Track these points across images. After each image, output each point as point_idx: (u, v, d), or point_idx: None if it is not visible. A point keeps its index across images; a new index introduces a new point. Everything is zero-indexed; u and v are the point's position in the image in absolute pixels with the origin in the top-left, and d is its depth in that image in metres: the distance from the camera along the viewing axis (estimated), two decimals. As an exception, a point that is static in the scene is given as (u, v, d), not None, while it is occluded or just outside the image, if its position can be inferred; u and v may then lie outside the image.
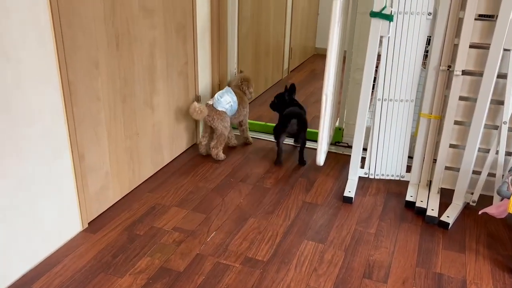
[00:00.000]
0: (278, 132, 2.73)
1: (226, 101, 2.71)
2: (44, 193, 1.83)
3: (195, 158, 2.79)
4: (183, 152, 2.85)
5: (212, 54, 2.96)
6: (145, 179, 2.52)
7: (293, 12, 4.47)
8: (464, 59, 2.09)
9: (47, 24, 1.70)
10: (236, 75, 3.00)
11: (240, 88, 2.89)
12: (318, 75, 4.65)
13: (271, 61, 4.15)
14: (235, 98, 2.77)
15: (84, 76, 1.93)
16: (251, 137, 3.05)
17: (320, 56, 5.37)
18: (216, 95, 2.70)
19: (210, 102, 2.69)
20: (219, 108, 2.68)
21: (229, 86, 2.85)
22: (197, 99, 2.85)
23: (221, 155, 2.75)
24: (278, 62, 4.35)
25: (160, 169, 2.64)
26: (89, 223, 2.12)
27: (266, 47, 3.99)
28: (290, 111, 2.71)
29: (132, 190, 2.41)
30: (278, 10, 4.12)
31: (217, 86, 3.04)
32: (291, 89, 2.85)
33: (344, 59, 2.81)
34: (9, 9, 1.55)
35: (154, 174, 2.58)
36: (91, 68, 1.96)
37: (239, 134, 3.05)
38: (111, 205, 2.26)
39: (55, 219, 1.92)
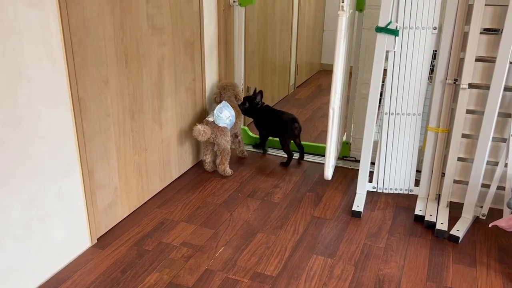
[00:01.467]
0: (288, 139, 2.93)
1: (226, 116, 2.71)
2: (53, 209, 1.85)
3: (202, 173, 2.80)
4: (190, 168, 2.86)
5: (220, 71, 2.99)
6: (154, 194, 2.53)
7: (299, 29, 4.52)
8: (471, 72, 2.10)
9: (58, 43, 1.74)
10: (221, 84, 2.88)
11: (235, 97, 2.88)
12: (324, 90, 4.67)
13: (277, 77, 4.19)
14: (233, 112, 2.78)
15: (94, 93, 1.96)
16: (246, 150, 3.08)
17: (326, 72, 5.40)
18: (215, 111, 2.69)
19: (211, 119, 2.68)
20: (221, 124, 2.68)
21: (221, 97, 2.84)
22: (206, 114, 2.87)
23: (228, 171, 2.76)
24: (285, 78, 4.39)
25: (168, 184, 2.65)
26: (98, 239, 2.12)
27: (272, 64, 4.02)
28: (287, 118, 2.94)
29: (141, 206, 2.42)
30: (284, 27, 4.17)
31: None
32: (261, 94, 2.99)
33: (350, 74, 2.83)
34: (21, 28, 1.58)
35: (162, 189, 2.59)
36: (101, 85, 1.99)
37: (233, 147, 3.04)
38: (119, 220, 2.27)
39: (64, 235, 1.93)
